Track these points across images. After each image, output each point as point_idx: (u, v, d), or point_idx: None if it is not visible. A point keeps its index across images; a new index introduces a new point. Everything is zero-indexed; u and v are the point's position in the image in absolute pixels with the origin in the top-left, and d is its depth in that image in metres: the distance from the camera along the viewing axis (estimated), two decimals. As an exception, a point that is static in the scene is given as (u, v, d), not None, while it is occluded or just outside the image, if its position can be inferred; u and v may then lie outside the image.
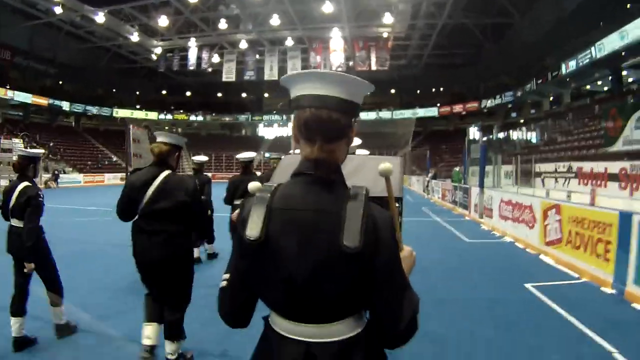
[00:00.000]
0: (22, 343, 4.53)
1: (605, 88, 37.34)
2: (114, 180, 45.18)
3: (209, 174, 10.42)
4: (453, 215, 18.09)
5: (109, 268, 8.09)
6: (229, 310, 1.60)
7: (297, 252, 1.41)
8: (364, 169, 2.55)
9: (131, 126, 8.05)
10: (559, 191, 17.72)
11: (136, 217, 3.97)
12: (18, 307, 4.55)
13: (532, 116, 44.34)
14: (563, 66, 33.59)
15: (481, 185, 15.48)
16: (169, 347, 4.01)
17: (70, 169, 45.01)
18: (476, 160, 18.32)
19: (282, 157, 4.95)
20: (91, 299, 6.15)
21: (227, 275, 1.58)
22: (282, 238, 1.43)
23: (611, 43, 27.27)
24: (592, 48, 29.22)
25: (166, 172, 3.94)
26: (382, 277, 1.42)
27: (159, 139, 4.11)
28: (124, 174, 44.61)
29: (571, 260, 8.22)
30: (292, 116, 1.56)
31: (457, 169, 28.69)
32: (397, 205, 2.28)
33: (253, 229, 1.43)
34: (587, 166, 17.88)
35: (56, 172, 39.12)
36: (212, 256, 9.21)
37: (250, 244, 1.43)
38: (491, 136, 29.93)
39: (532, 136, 33.48)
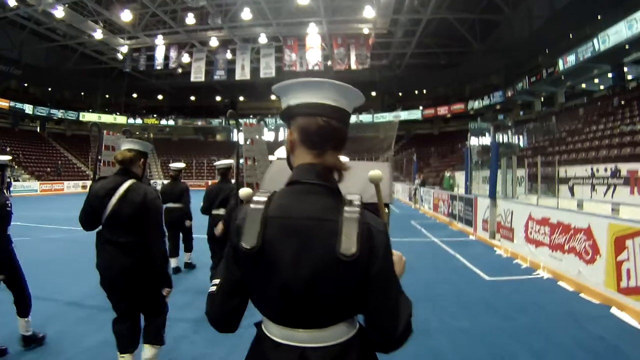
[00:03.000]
0: None
1: (602, 87, 34.86)
2: (74, 188, 42.17)
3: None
4: (452, 232, 14.65)
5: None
6: (217, 315, 1.61)
7: (293, 260, 1.43)
8: (353, 174, 1.80)
9: (104, 132, 7.49)
10: (601, 203, 13.80)
11: (100, 227, 3.85)
12: None
13: (524, 116, 41.52)
14: (560, 62, 31.06)
15: (493, 195, 12.18)
16: (149, 351, 3.98)
17: (28, 176, 41.56)
18: (477, 165, 15.11)
19: (271, 162, 4.32)
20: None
21: (217, 281, 1.60)
22: (278, 246, 1.44)
23: (617, 34, 24.72)
24: (595, 40, 26.68)
25: (130, 181, 3.79)
26: (378, 283, 1.45)
27: (123, 146, 3.96)
28: (86, 181, 41.55)
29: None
30: (291, 123, 1.59)
31: (447, 174, 25.54)
32: (386, 211, 1.97)
33: (249, 238, 1.44)
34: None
35: (8, 179, 35.55)
36: (190, 266, 9.03)
37: (246, 252, 1.44)
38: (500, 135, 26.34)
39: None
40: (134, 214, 3.69)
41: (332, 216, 1.43)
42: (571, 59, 29.62)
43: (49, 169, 45.10)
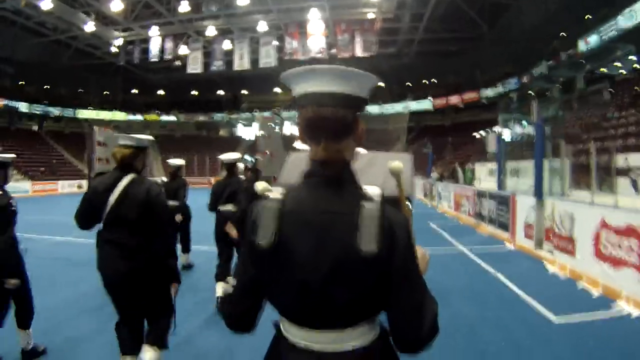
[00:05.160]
0: None
1: (623, 72, 32.81)
2: (70, 188, 39.72)
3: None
4: (481, 238, 12.08)
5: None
6: (233, 315, 1.58)
7: (310, 257, 1.39)
8: (375, 166, 2.08)
9: (96, 128, 7.58)
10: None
11: (101, 227, 3.66)
12: None
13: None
14: (581, 43, 28.88)
15: (539, 193, 9.64)
16: (149, 354, 3.61)
17: (21, 176, 39.17)
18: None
19: (290, 154, 3.71)
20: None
21: (234, 281, 1.57)
22: (294, 243, 1.41)
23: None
24: (620, 17, 24.58)
25: (130, 176, 3.60)
26: (400, 281, 1.40)
27: (120, 142, 3.76)
28: (82, 180, 39.76)
29: None
30: (297, 115, 1.52)
31: (469, 166, 23.32)
32: (408, 204, 1.97)
33: (264, 235, 1.41)
34: None
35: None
36: (187, 267, 8.74)
37: (262, 250, 1.41)
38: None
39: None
40: (137, 212, 3.47)
41: (350, 210, 1.37)
42: (593, 39, 27.59)
43: (42, 169, 43.20)
